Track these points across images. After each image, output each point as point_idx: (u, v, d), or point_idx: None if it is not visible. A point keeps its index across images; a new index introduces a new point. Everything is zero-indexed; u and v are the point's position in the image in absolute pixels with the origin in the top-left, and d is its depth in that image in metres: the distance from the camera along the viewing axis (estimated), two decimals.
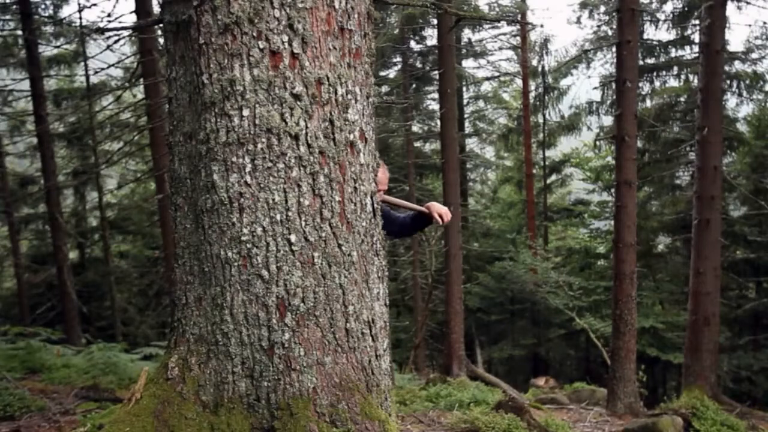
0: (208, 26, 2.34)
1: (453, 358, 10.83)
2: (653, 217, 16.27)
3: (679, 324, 13.88)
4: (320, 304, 2.39)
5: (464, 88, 19.79)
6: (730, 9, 20.15)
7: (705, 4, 9.54)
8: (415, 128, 18.09)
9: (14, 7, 12.14)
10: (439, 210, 3.15)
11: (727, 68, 13.00)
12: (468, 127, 20.70)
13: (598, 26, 16.36)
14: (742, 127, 15.33)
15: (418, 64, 17.81)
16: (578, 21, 16.96)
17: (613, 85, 9.23)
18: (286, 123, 2.33)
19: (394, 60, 17.68)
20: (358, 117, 2.50)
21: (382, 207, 3.08)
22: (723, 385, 12.63)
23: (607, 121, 16.66)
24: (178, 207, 2.57)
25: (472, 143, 20.87)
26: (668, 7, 14.98)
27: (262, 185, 2.34)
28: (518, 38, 17.63)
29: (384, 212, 3.07)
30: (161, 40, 8.95)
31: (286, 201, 2.35)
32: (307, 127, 2.35)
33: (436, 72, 12.26)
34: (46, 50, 13.64)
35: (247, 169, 2.34)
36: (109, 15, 9.29)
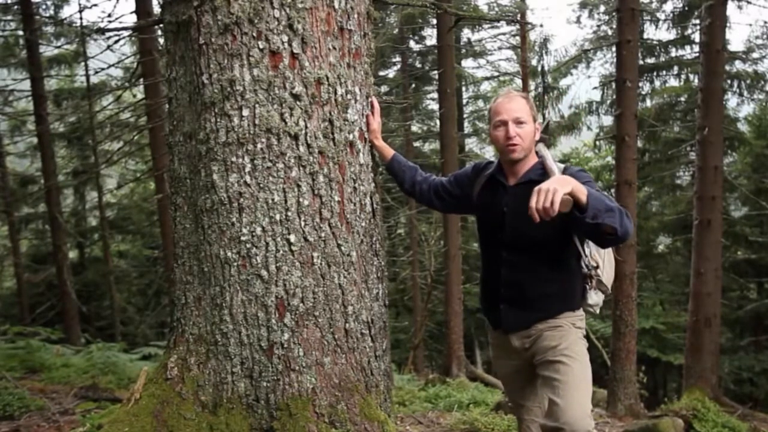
0: (208, 26, 2.34)
1: (452, 359, 10.82)
2: (653, 217, 16.26)
3: (680, 325, 13.87)
4: (319, 305, 2.39)
5: (464, 88, 19.77)
6: (731, 8, 20.18)
7: (705, 3, 9.53)
8: (414, 128, 18.09)
9: (15, 7, 12.14)
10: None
11: (727, 68, 12.98)
12: (467, 127, 20.67)
13: (598, 26, 16.35)
14: (742, 126, 15.33)
15: (418, 64, 17.82)
16: (578, 21, 16.92)
17: (613, 85, 9.22)
18: (286, 123, 2.33)
19: (394, 60, 17.69)
20: (358, 117, 2.50)
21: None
22: (724, 387, 12.61)
23: (607, 121, 16.65)
24: (178, 207, 2.56)
25: (471, 143, 20.84)
26: (668, 7, 14.99)
27: (261, 185, 2.34)
28: (518, 38, 17.58)
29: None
30: (161, 40, 8.94)
31: (286, 201, 2.34)
32: (306, 127, 2.35)
33: (436, 72, 12.24)
34: (47, 50, 13.66)
35: (247, 169, 2.33)
36: (109, 15, 9.29)
